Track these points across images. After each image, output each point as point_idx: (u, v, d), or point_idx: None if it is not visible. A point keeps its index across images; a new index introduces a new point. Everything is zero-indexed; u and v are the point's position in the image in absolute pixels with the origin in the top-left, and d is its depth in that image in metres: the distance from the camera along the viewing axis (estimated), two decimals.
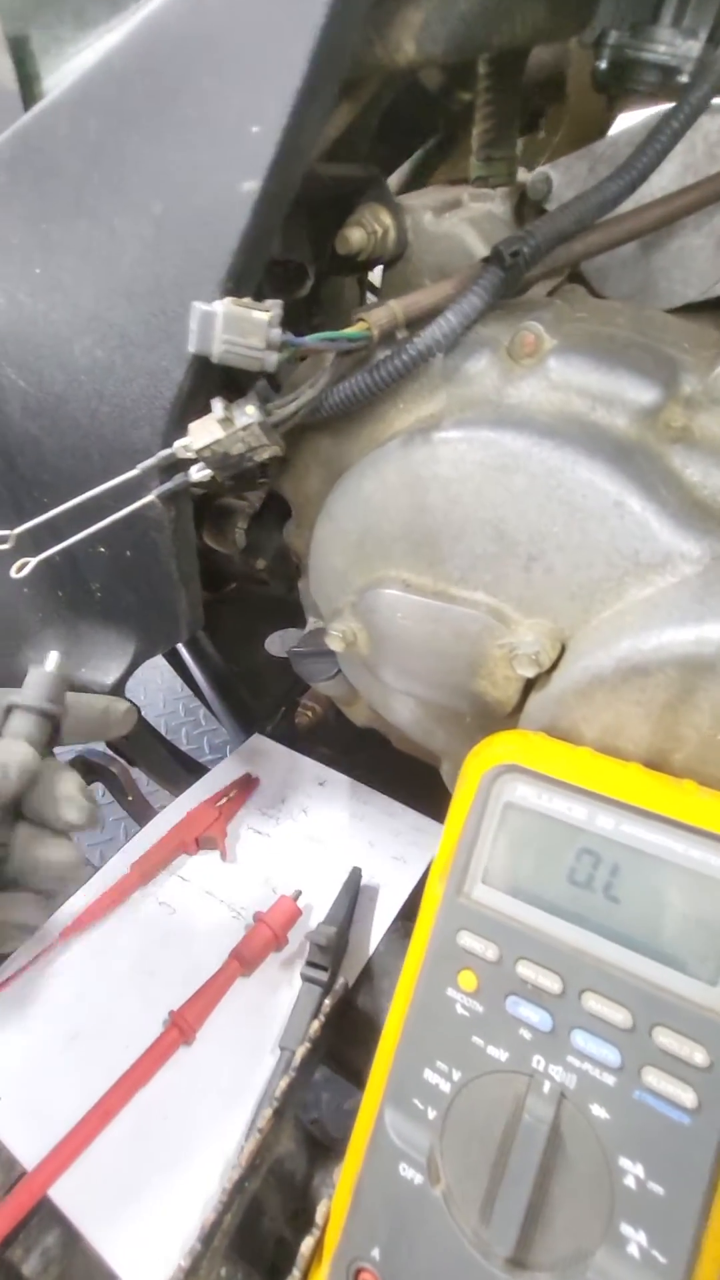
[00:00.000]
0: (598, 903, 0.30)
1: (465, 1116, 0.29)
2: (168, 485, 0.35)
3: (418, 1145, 0.30)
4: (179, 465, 0.34)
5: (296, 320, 0.47)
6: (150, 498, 0.35)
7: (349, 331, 0.33)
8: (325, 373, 0.33)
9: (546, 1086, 0.28)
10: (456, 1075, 0.30)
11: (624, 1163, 0.27)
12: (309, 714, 0.76)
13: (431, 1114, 0.30)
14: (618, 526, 0.32)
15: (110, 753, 0.63)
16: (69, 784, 0.33)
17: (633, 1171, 0.26)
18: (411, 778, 0.59)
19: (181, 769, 0.68)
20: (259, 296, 0.33)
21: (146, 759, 0.69)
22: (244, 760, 0.64)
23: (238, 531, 0.59)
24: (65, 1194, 0.38)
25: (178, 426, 0.34)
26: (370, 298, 0.63)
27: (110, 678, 0.50)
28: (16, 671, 0.50)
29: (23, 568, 0.35)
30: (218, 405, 0.31)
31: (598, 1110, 0.27)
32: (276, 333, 0.28)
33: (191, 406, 0.33)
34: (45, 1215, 0.40)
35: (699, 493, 0.33)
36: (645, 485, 0.32)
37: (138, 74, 0.27)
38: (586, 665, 0.33)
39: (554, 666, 0.36)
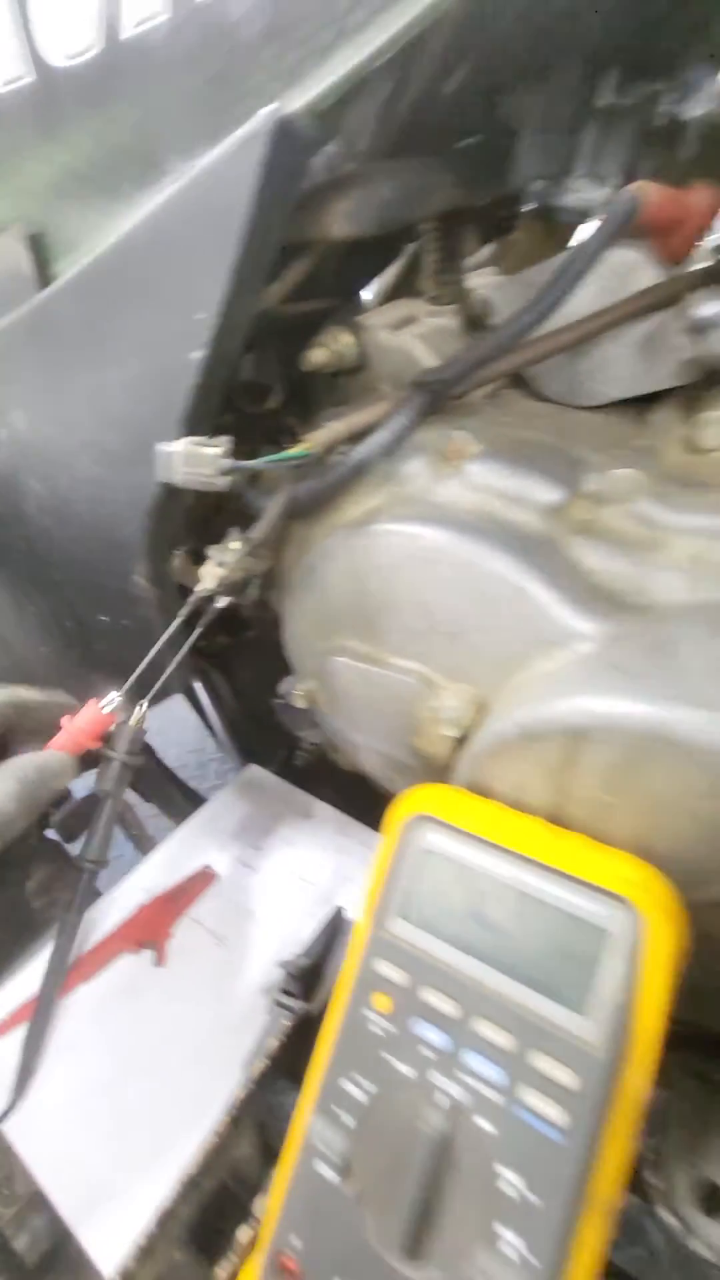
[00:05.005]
0: (493, 939, 0.34)
1: (377, 1125, 0.34)
2: (207, 619, 0.44)
3: (336, 1149, 0.34)
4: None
5: (279, 416, 0.55)
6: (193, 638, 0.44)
7: (293, 452, 0.40)
8: (282, 497, 0.40)
9: (442, 1100, 0.32)
10: (371, 1087, 0.34)
11: (505, 1173, 0.30)
12: (309, 755, 0.82)
13: (350, 1121, 0.34)
14: (522, 610, 0.38)
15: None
16: None
17: (513, 1182, 0.30)
18: None
19: (183, 798, 0.75)
20: (234, 411, 0.41)
21: (150, 786, 0.76)
22: (239, 792, 0.70)
23: (251, 587, 0.67)
24: (52, 1182, 0.44)
25: (157, 526, 0.41)
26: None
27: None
28: None
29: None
30: (212, 551, 0.38)
31: (484, 1124, 0.31)
32: (226, 463, 0.35)
33: (165, 512, 0.41)
34: (35, 1198, 0.45)
35: (596, 578, 0.38)
36: (546, 574, 0.37)
37: (120, 269, 0.35)
38: (495, 729, 0.38)
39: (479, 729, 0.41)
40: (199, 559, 0.56)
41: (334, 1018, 0.37)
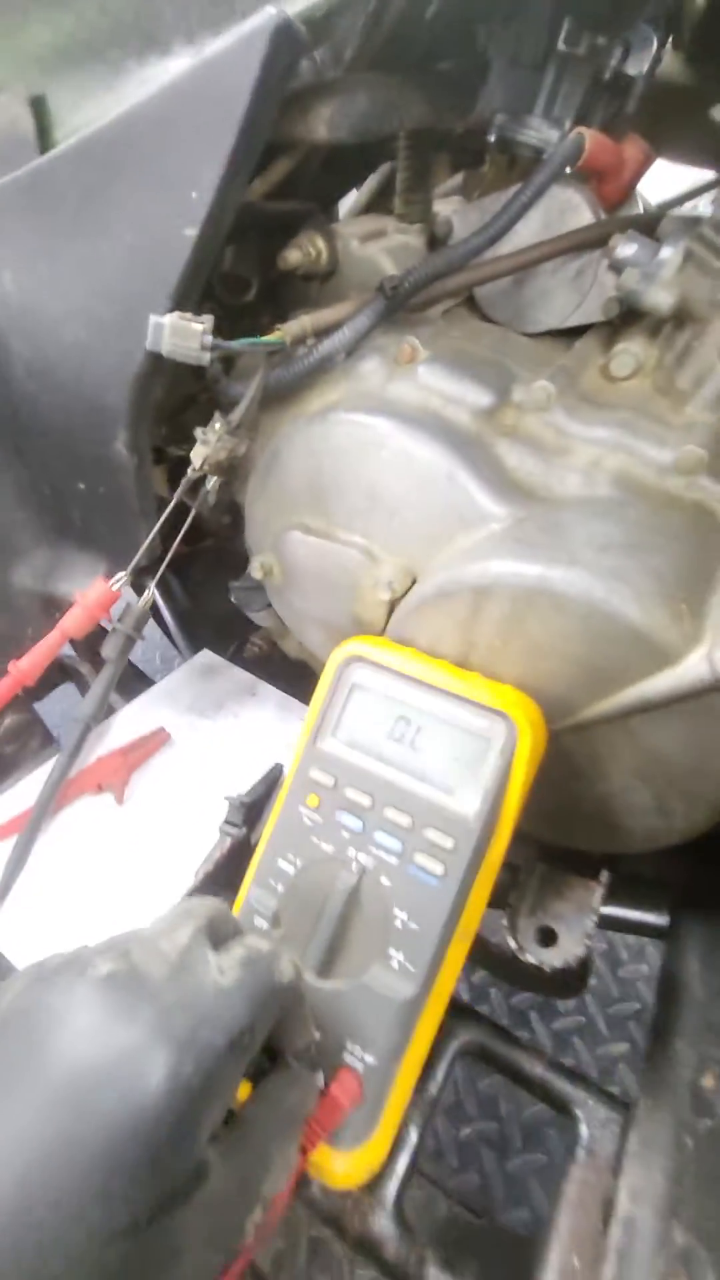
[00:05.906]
0: (403, 750, 0.43)
1: (300, 886, 0.43)
2: (205, 491, 0.50)
3: (268, 906, 0.43)
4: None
5: (254, 314, 0.59)
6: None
7: (267, 338, 0.45)
8: (259, 378, 0.46)
9: (354, 866, 0.42)
10: (299, 862, 0.43)
11: (397, 911, 0.40)
12: (256, 648, 0.89)
13: (280, 888, 0.43)
14: (449, 492, 0.45)
15: (77, 655, 0.76)
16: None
17: (401, 917, 0.40)
18: None
19: (135, 678, 0.81)
20: (214, 301, 0.45)
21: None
22: (191, 671, 0.77)
23: (208, 491, 0.72)
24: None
25: (140, 394, 0.46)
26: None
27: None
28: (6, 584, 0.63)
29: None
30: (199, 433, 0.43)
31: (385, 880, 0.41)
32: (209, 338, 0.40)
33: (148, 382, 0.45)
34: None
35: (514, 474, 0.46)
36: (471, 464, 0.45)
37: (122, 143, 0.39)
38: (418, 591, 0.46)
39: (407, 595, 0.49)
40: (162, 459, 0.61)
41: (274, 817, 0.46)
